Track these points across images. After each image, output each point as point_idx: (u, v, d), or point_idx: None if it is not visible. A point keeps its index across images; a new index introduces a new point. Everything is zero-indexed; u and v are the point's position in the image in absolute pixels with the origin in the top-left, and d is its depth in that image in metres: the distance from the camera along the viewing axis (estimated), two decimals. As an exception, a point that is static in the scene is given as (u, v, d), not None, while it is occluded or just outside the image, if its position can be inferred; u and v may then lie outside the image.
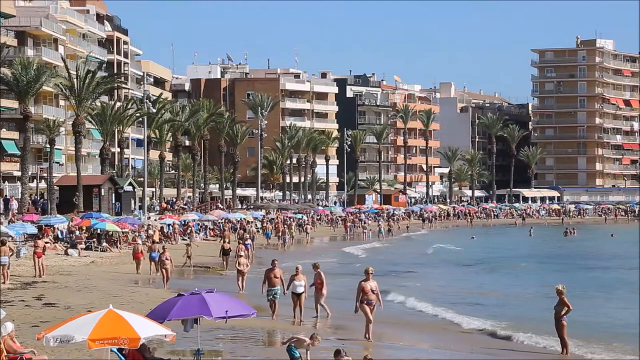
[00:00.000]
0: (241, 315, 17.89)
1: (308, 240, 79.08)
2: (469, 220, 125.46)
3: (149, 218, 72.86)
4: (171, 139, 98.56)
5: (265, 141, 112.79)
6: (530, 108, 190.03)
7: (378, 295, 24.15)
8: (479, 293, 40.22)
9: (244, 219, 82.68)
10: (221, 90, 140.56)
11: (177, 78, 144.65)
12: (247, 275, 36.61)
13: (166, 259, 38.61)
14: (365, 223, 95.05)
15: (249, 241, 53.17)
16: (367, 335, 24.17)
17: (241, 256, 37.53)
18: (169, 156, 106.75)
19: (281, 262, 30.65)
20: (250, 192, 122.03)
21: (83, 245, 54.23)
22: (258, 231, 78.21)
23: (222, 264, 48.02)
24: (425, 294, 37.52)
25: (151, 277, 42.22)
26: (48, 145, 78.92)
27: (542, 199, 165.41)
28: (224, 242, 50.64)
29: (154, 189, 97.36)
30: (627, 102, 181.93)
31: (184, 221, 74.41)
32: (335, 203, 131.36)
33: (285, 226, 77.27)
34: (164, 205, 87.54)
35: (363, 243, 78.24)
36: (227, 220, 79.38)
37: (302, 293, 27.53)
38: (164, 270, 38.30)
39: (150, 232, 62.86)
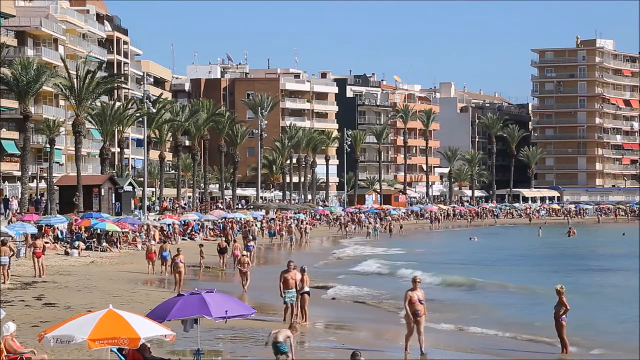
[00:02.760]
0: (241, 315, 17.92)
1: (307, 240, 79.06)
2: (469, 220, 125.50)
3: (147, 218, 72.83)
4: (171, 139, 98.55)
5: (265, 141, 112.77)
6: (530, 108, 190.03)
7: (424, 305, 22.44)
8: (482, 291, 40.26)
9: (244, 218, 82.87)
10: (221, 90, 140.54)
11: (177, 78, 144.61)
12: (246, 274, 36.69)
13: (180, 261, 36.77)
14: (366, 224, 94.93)
15: (252, 243, 53.13)
16: (421, 349, 22.42)
17: (244, 256, 37.61)
18: (169, 156, 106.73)
19: (284, 262, 30.60)
20: (250, 192, 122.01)
21: (83, 246, 54.27)
22: (260, 230, 78.38)
23: (219, 262, 48.25)
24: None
25: (165, 278, 42.22)
26: (48, 145, 78.91)
27: (542, 199, 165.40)
28: (221, 240, 50.73)
29: (154, 189, 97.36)
30: (627, 102, 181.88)
31: (184, 221, 74.48)
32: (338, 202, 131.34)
33: (293, 225, 77.75)
34: (165, 205, 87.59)
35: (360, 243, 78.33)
36: (229, 221, 79.75)
37: (304, 293, 27.35)
38: (177, 274, 36.58)
39: (151, 232, 62.98)
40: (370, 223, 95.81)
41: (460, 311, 32.40)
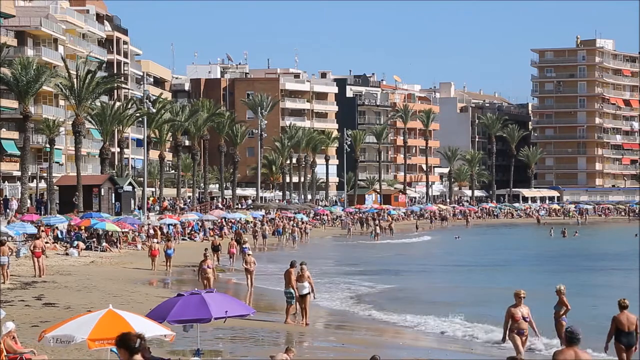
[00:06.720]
0: (241, 315, 17.90)
1: (307, 240, 79.05)
2: (467, 219, 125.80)
3: (148, 218, 72.83)
4: (171, 139, 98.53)
5: (265, 141, 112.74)
6: (530, 108, 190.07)
7: (532, 323, 20.64)
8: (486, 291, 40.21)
9: (244, 218, 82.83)
10: (221, 90, 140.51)
11: (177, 78, 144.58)
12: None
13: (208, 267, 34.82)
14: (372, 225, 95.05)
15: (247, 245, 53.19)
16: None
17: (249, 255, 37.77)
18: (168, 156, 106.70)
19: (285, 262, 30.57)
20: (250, 192, 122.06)
21: (83, 245, 54.26)
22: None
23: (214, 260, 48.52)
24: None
25: (167, 278, 42.22)
26: (48, 145, 78.90)
27: (542, 199, 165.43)
28: (215, 238, 50.97)
29: (153, 189, 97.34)
30: (627, 102, 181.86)
31: (182, 222, 74.44)
32: (336, 202, 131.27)
33: (294, 225, 78.39)
34: (165, 204, 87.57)
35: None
36: (229, 221, 79.95)
37: (306, 294, 27.26)
38: (205, 281, 34.38)
39: (151, 232, 62.97)
40: (377, 224, 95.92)
41: (459, 310, 32.32)
